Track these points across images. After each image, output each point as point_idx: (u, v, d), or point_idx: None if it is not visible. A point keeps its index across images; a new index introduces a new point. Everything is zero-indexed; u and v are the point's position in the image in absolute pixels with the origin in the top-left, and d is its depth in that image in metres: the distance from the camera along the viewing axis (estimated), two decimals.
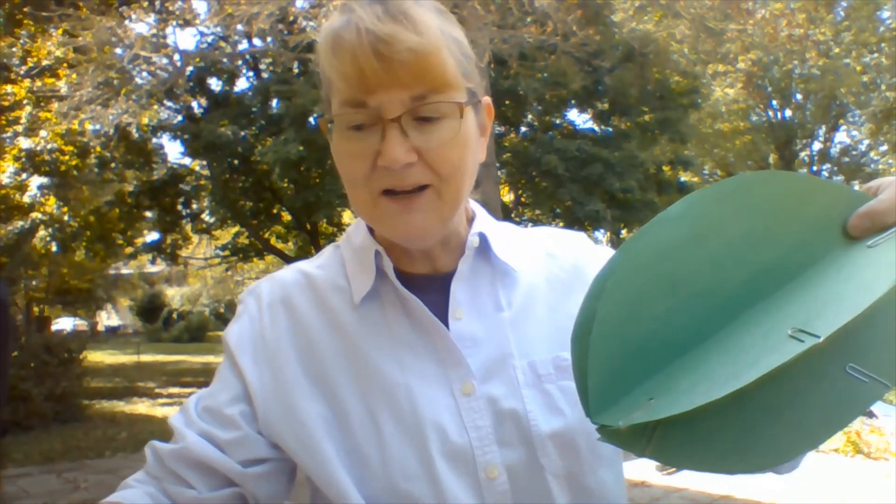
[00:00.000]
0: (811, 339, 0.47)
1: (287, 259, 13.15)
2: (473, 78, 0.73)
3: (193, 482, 0.73)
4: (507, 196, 13.71)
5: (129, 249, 15.20)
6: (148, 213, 14.04)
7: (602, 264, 0.82)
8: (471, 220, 0.82)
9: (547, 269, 0.82)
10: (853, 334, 0.49)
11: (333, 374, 0.74)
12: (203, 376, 14.68)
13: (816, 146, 21.53)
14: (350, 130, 0.69)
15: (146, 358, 18.32)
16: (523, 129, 13.25)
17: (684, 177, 15.42)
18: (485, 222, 0.82)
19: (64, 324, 25.08)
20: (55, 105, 9.38)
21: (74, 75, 9.07)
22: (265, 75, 12.24)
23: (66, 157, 12.43)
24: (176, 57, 9.79)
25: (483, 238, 0.80)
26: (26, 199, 13.55)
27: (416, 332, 0.75)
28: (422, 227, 0.70)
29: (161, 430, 7.61)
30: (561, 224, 12.28)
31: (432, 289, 0.77)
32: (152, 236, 15.35)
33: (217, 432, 0.74)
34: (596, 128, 13.48)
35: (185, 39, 38.39)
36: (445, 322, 0.75)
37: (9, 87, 10.92)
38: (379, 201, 0.70)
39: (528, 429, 0.72)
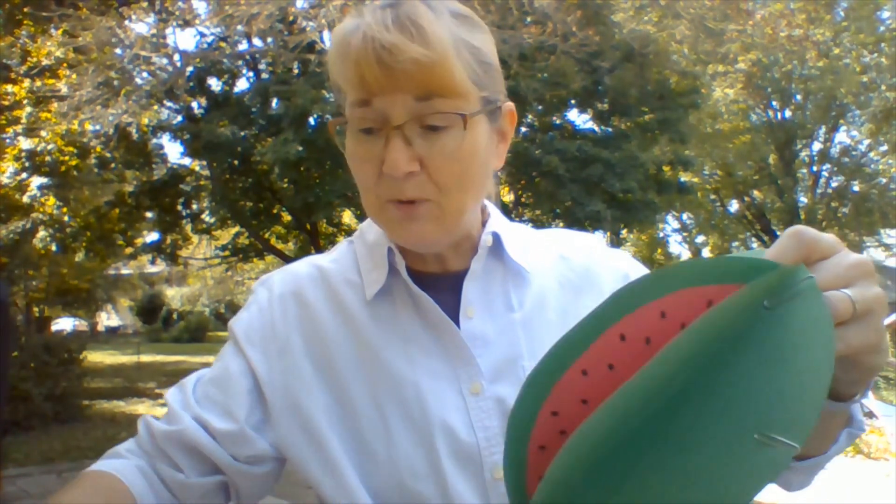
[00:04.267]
0: (783, 444, 0.44)
1: (287, 259, 13.13)
2: (491, 85, 0.72)
3: (183, 466, 0.73)
4: (507, 196, 13.71)
5: (129, 250, 15.18)
6: (148, 214, 14.03)
7: (614, 268, 0.83)
8: (485, 220, 0.82)
9: (558, 272, 0.82)
10: (754, 398, 0.46)
11: (342, 366, 0.74)
12: None
13: (816, 146, 21.52)
14: (360, 133, 0.69)
15: (146, 358, 18.31)
16: (523, 129, 13.24)
17: (684, 177, 15.41)
18: (499, 222, 0.82)
19: (64, 324, 25.08)
20: (55, 105, 9.37)
21: (74, 75, 9.06)
22: (265, 75, 12.24)
23: (66, 158, 12.41)
24: (176, 57, 9.80)
25: (497, 238, 0.80)
26: (26, 199, 13.53)
27: (427, 329, 0.75)
28: (422, 235, 0.71)
29: None
30: (561, 224, 12.28)
31: (444, 287, 0.77)
32: (152, 236, 15.35)
33: (213, 421, 0.73)
34: (596, 128, 13.48)
35: (184, 40, 38.37)
36: (456, 321, 0.75)
37: (9, 87, 10.91)
38: (386, 207, 0.70)
39: None
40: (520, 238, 0.83)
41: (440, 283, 0.77)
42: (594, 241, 0.88)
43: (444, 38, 0.67)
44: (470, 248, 0.79)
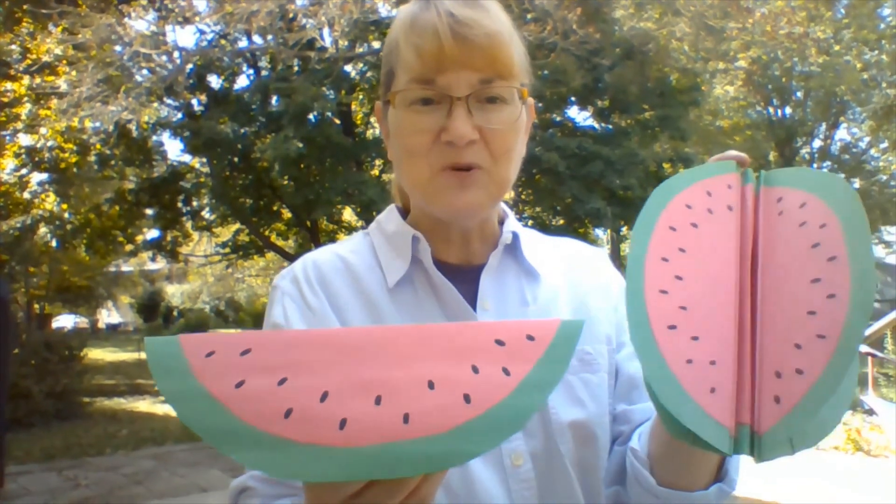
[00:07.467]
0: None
1: (287, 256, 13.15)
2: (528, 76, 0.77)
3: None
4: (508, 194, 13.69)
5: (129, 247, 15.19)
6: (148, 211, 14.01)
7: (618, 283, 0.88)
8: (502, 219, 0.86)
9: (568, 276, 0.85)
10: None
11: None
12: None
13: (817, 143, 21.50)
14: (416, 105, 0.72)
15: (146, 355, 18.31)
16: None
17: None
18: (515, 224, 0.86)
19: (64, 321, 25.09)
20: (55, 102, 9.36)
21: (74, 72, 9.06)
22: (265, 73, 12.22)
23: (66, 155, 12.41)
24: (176, 54, 9.78)
25: (515, 237, 0.83)
26: (26, 195, 13.53)
27: (447, 318, 0.77)
28: (473, 203, 0.74)
29: (161, 427, 7.61)
30: (562, 222, 12.28)
31: (462, 279, 0.79)
32: (152, 233, 15.33)
33: None
34: (596, 125, 13.46)
35: (184, 37, 38.37)
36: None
37: (9, 84, 10.90)
38: (438, 175, 0.73)
39: (548, 417, 0.74)
40: (533, 241, 0.87)
41: (459, 274, 0.79)
42: (602, 255, 0.92)
43: (507, 21, 0.73)
44: (491, 239, 0.82)
